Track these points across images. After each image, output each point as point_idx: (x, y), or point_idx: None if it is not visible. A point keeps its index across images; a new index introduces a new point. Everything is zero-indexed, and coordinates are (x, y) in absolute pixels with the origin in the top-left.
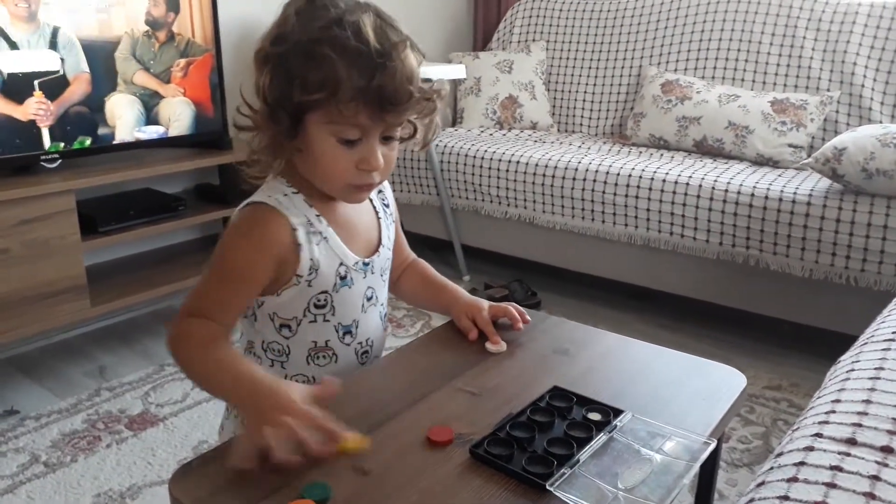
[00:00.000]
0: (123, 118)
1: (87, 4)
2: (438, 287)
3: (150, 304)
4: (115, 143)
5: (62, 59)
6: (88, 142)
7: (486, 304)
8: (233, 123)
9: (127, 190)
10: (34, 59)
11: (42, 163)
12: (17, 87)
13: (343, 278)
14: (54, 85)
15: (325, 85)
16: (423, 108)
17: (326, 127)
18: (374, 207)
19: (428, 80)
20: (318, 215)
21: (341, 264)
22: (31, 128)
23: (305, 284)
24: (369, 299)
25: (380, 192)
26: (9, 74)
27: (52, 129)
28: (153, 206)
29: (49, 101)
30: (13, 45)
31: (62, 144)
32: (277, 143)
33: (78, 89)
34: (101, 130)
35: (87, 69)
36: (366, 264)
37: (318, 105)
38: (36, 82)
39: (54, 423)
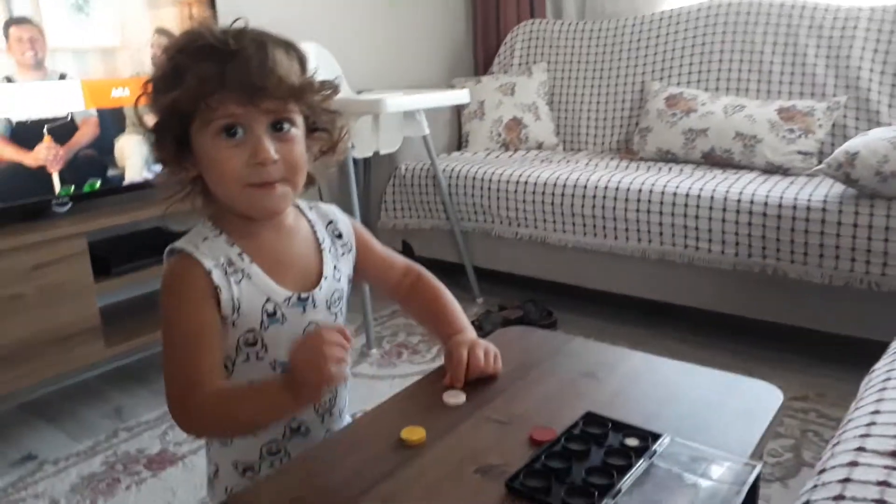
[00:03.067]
0: (132, 159)
1: (92, 50)
2: (435, 320)
3: None
4: (124, 184)
5: None
6: (98, 184)
7: (468, 343)
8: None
9: (138, 230)
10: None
11: (53, 207)
12: (27, 133)
13: (272, 315)
14: (63, 130)
15: (180, 84)
16: (310, 101)
17: (206, 130)
18: (318, 239)
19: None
20: (240, 253)
21: (268, 300)
22: (42, 173)
23: (230, 325)
24: None
25: (330, 222)
26: (17, 122)
27: (62, 174)
28: (165, 245)
29: (58, 146)
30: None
31: (72, 188)
32: (178, 170)
33: (87, 133)
34: (111, 172)
35: (95, 113)
36: (302, 299)
37: (191, 112)
38: (45, 128)
39: (73, 466)
